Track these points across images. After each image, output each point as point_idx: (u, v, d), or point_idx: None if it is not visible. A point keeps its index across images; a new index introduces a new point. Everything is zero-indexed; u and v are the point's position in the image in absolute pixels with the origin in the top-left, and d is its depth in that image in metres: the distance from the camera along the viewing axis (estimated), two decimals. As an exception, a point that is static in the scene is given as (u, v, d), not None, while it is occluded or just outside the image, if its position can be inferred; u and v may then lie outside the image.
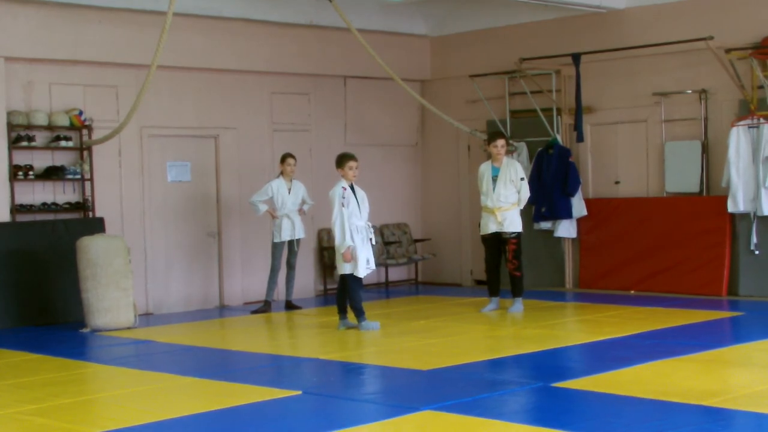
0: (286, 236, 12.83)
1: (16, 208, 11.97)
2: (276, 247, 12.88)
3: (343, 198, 10.78)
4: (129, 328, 11.45)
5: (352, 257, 10.73)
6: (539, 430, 6.30)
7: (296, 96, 14.51)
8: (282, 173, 12.92)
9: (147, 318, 12.59)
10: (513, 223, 11.88)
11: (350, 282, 10.87)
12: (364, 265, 10.82)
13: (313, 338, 10.99)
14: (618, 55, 13.57)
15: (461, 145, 15.50)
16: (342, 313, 11.06)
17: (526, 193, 11.92)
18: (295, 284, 13.24)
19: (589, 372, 8.13)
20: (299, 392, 7.65)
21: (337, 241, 10.79)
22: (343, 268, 10.83)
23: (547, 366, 8.65)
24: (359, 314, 10.88)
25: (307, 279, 14.47)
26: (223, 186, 13.75)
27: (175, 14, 11.06)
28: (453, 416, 6.70)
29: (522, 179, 11.90)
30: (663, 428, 6.22)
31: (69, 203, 12.39)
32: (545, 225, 14.19)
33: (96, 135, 12.45)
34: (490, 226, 11.94)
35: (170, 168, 13.36)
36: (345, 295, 11.05)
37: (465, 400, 7.15)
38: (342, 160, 11.05)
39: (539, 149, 14.14)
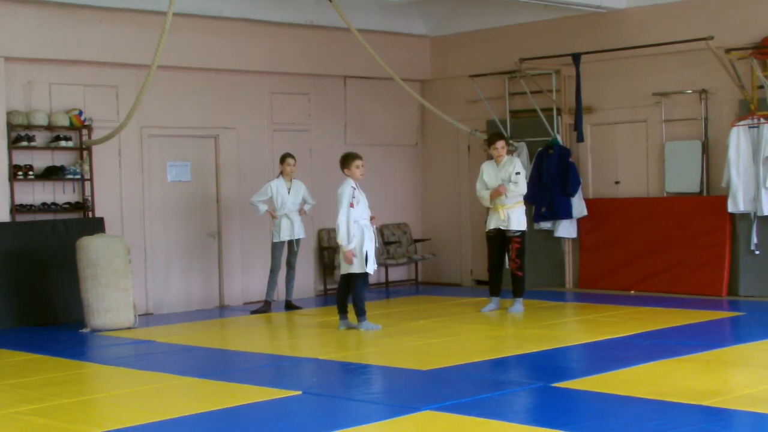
0: (285, 236, 12.83)
1: (16, 208, 11.97)
2: (276, 247, 12.87)
3: (353, 198, 10.77)
4: (129, 328, 11.45)
5: (354, 257, 10.73)
6: (539, 430, 6.30)
7: (296, 96, 14.51)
8: (282, 173, 12.92)
9: (147, 318, 12.60)
10: (518, 222, 11.87)
11: (358, 281, 10.85)
12: (373, 261, 10.84)
13: (313, 338, 10.99)
14: (618, 55, 13.57)
15: (461, 145, 15.51)
16: (342, 312, 11.06)
17: (521, 185, 11.76)
18: (295, 284, 13.23)
19: (589, 372, 8.13)
20: (299, 392, 7.65)
21: (342, 241, 10.76)
22: (351, 268, 10.81)
23: (547, 366, 8.64)
24: (361, 313, 10.88)
25: (307, 279, 14.47)
26: (223, 186, 13.75)
27: (175, 14, 11.06)
28: (453, 416, 6.70)
29: (518, 173, 11.83)
30: (663, 428, 6.22)
31: (69, 203, 12.39)
32: (545, 225, 14.19)
33: (96, 135, 12.45)
34: (493, 222, 11.93)
35: (170, 168, 13.36)
36: (346, 295, 11.05)
37: (465, 400, 7.15)
38: (348, 159, 11.00)
39: (539, 149, 14.14)
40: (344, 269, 10.92)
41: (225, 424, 6.84)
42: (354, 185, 10.89)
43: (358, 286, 10.87)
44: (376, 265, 11.03)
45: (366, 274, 10.89)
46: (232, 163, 13.83)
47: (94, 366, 9.40)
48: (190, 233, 13.52)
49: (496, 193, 11.76)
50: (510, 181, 11.77)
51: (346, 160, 11.01)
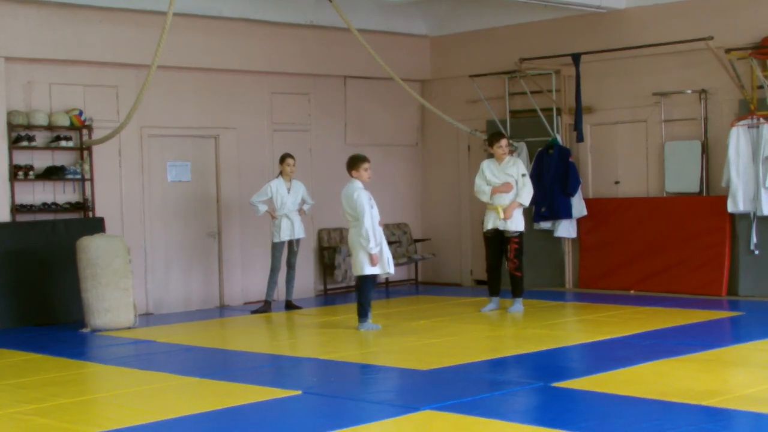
0: (285, 236, 12.83)
1: (16, 208, 11.97)
2: (276, 247, 12.88)
3: (371, 199, 10.76)
4: (129, 328, 11.46)
5: (378, 260, 10.73)
6: (539, 430, 6.30)
7: (296, 96, 14.51)
8: (281, 173, 12.92)
9: (147, 318, 12.60)
10: (516, 222, 11.87)
11: (367, 282, 10.84)
12: (391, 261, 10.87)
13: (313, 338, 10.99)
14: (618, 55, 13.57)
15: (461, 145, 15.51)
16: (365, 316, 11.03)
17: (528, 190, 11.82)
18: (295, 284, 13.24)
19: (589, 372, 8.13)
20: (299, 392, 7.66)
21: (371, 244, 10.68)
22: (369, 269, 10.76)
23: (547, 366, 8.65)
24: (364, 314, 10.86)
25: (307, 279, 14.47)
26: (223, 186, 13.75)
27: (175, 14, 11.07)
28: (453, 416, 6.70)
29: (523, 175, 11.86)
30: (663, 428, 6.22)
31: (69, 203, 12.39)
32: (545, 225, 14.19)
33: (96, 135, 12.45)
34: (491, 222, 11.92)
35: (170, 168, 13.36)
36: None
37: (465, 400, 7.15)
38: (356, 162, 10.92)
39: (539, 149, 14.15)
40: (364, 270, 10.83)
41: (225, 424, 6.84)
42: (363, 187, 10.85)
43: (367, 286, 10.86)
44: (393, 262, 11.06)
45: (375, 276, 10.89)
46: (232, 163, 13.83)
47: (94, 366, 9.40)
48: (190, 233, 13.52)
49: (501, 190, 11.74)
50: (519, 181, 11.76)
51: (354, 163, 10.94)
